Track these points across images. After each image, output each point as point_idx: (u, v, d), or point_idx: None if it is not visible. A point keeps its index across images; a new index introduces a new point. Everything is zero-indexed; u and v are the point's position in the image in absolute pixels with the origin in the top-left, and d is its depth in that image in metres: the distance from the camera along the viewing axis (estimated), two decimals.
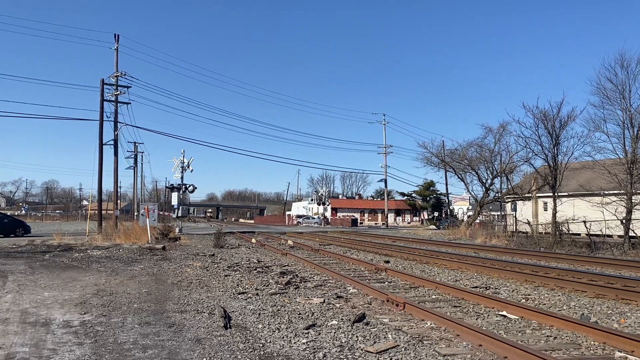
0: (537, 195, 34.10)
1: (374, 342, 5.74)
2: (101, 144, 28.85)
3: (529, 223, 28.26)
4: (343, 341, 5.81)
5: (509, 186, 36.34)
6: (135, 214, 42.75)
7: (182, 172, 34.49)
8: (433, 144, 48.41)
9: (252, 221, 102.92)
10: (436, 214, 75.97)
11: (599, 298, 8.85)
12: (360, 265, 14.18)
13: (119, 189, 36.40)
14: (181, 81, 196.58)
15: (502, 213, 44.48)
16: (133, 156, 53.32)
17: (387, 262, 15.29)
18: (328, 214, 76.67)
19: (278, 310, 7.67)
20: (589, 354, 5.40)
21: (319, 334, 6.18)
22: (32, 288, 9.83)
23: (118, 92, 30.79)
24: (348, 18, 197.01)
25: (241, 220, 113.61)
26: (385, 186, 66.83)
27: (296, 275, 11.85)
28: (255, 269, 13.12)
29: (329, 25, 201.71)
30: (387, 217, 68.53)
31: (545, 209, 34.54)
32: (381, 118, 65.89)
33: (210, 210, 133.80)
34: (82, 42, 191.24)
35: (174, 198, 34.39)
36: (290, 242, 23.85)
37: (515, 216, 34.36)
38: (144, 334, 6.14)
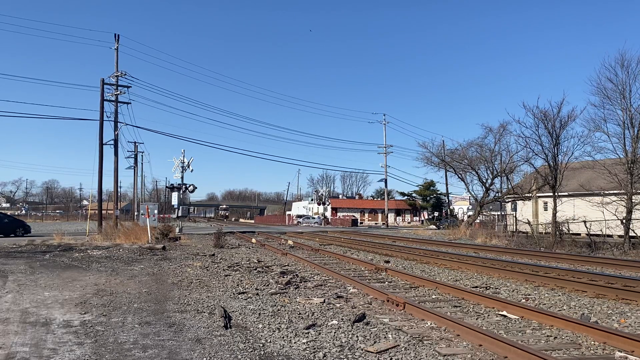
0: (537, 195, 34.11)
1: (374, 342, 5.74)
2: (101, 144, 28.84)
3: (529, 223, 28.25)
4: (343, 341, 5.81)
5: (509, 186, 36.37)
6: (135, 213, 42.77)
7: (182, 172, 34.51)
8: (433, 144, 48.58)
9: (252, 221, 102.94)
10: (436, 213, 75.98)
11: (599, 298, 8.85)
12: (361, 265, 14.18)
13: (119, 189, 36.43)
14: (181, 81, 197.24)
15: (502, 213, 44.53)
16: (133, 156, 53.35)
17: (387, 262, 15.29)
18: (328, 213, 76.68)
19: (278, 310, 7.67)
20: (589, 354, 5.40)
21: (319, 333, 6.18)
22: (33, 288, 9.83)
23: (118, 92, 30.79)
24: (349, 18, 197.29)
25: (241, 220, 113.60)
26: (386, 186, 66.88)
27: (296, 275, 11.85)
28: (256, 269, 13.12)
29: (329, 25, 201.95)
30: (387, 217, 68.56)
31: (546, 209, 34.55)
32: (381, 118, 66.03)
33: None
34: (82, 42, 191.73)
35: (174, 198, 34.41)
36: (290, 242, 23.84)
37: (515, 216, 34.38)
38: (144, 333, 6.14)
